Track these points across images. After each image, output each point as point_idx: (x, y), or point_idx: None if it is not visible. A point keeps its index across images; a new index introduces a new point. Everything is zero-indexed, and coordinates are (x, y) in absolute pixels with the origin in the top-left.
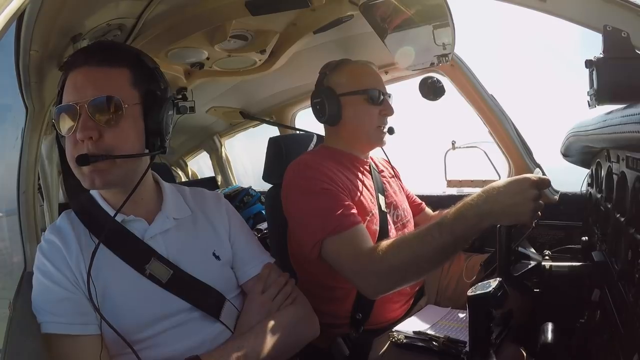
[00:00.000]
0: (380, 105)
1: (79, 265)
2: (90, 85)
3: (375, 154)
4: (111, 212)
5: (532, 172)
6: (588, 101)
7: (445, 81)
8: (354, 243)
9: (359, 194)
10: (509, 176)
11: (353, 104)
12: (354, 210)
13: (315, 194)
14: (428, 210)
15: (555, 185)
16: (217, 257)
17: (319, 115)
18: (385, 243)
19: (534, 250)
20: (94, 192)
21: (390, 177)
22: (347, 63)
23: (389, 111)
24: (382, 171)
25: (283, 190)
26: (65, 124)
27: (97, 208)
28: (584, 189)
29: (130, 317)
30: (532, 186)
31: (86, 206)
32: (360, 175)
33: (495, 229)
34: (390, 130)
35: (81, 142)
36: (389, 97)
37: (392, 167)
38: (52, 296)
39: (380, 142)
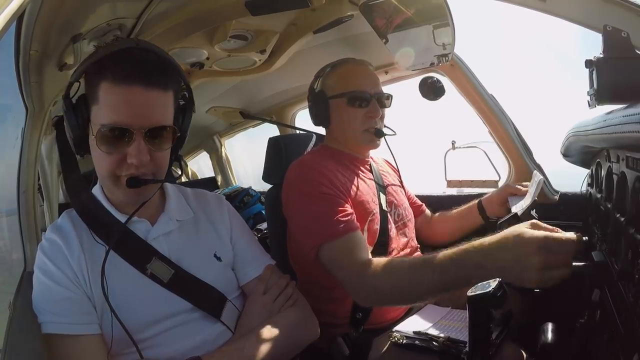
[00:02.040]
0: (365, 107)
1: (80, 265)
2: (148, 109)
3: (376, 154)
4: (114, 213)
5: (531, 173)
6: (588, 101)
7: (445, 81)
8: (347, 251)
9: (360, 193)
10: (509, 176)
11: (338, 106)
12: (352, 217)
13: (313, 198)
14: (428, 212)
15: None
16: (219, 259)
17: (312, 117)
18: (381, 262)
19: None
20: (96, 192)
21: (390, 177)
22: (340, 64)
23: (375, 113)
24: (383, 171)
25: (283, 191)
26: (113, 143)
27: (99, 208)
28: (584, 189)
29: (132, 316)
30: (537, 252)
31: (88, 205)
32: (361, 174)
33: (496, 227)
34: (378, 133)
35: (131, 164)
36: (389, 97)
37: (393, 167)
38: (53, 296)
39: (370, 145)
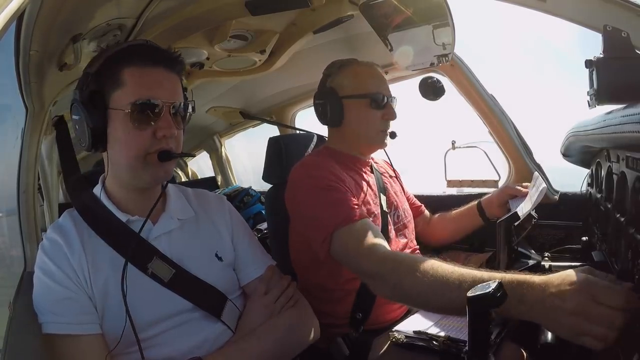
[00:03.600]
0: (383, 109)
1: (81, 264)
2: (170, 87)
3: (376, 155)
4: (117, 213)
5: (531, 173)
6: (588, 101)
7: (445, 81)
8: (363, 236)
9: (362, 194)
10: (509, 176)
11: (356, 107)
12: (360, 206)
13: (322, 190)
14: (427, 212)
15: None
16: (220, 258)
17: (321, 116)
18: (404, 260)
19: (533, 251)
20: (97, 191)
21: (390, 178)
22: (352, 64)
23: (392, 115)
24: (383, 172)
25: (288, 192)
26: (145, 118)
27: (101, 207)
28: (584, 189)
29: (133, 316)
30: (577, 294)
31: (89, 205)
32: (363, 175)
33: (495, 229)
34: (392, 135)
35: (161, 138)
36: (394, 100)
37: (393, 168)
38: (53, 295)
39: (381, 145)
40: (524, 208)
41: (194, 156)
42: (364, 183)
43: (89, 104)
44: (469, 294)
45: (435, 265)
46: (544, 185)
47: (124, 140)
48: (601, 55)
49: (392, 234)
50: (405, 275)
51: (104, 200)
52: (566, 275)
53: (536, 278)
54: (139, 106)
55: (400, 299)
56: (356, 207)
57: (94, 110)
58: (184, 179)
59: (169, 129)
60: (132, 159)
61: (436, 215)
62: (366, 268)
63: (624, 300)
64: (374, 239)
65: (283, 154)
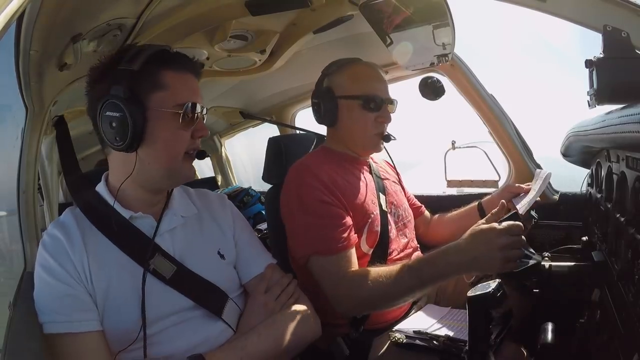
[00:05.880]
0: (377, 111)
1: (82, 260)
2: (199, 93)
3: (376, 155)
4: (120, 210)
5: (532, 173)
6: (588, 101)
7: (445, 81)
8: (337, 268)
9: (360, 196)
10: (509, 176)
11: (349, 108)
12: (347, 232)
13: (309, 206)
14: (427, 213)
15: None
16: (222, 256)
17: (316, 115)
18: (364, 273)
19: (533, 250)
20: (100, 189)
21: (390, 177)
22: (351, 64)
23: (386, 119)
24: (383, 171)
25: (282, 193)
26: (190, 119)
27: (104, 204)
28: (584, 189)
29: (133, 313)
30: (498, 236)
31: (91, 202)
32: (361, 176)
33: None
34: (386, 138)
35: (197, 138)
36: (394, 103)
37: (393, 168)
38: (53, 292)
39: (375, 149)
40: (526, 203)
41: (209, 156)
42: (361, 183)
43: (131, 102)
44: (469, 293)
45: (384, 267)
46: (548, 172)
47: (167, 140)
48: (601, 55)
49: (393, 233)
50: (367, 285)
51: (108, 199)
52: (471, 232)
53: (453, 242)
54: (187, 108)
55: (372, 306)
56: (339, 237)
57: (136, 109)
58: None
59: (205, 130)
60: (173, 157)
61: (436, 216)
62: (334, 292)
63: (509, 227)
64: (348, 271)
65: (283, 154)
